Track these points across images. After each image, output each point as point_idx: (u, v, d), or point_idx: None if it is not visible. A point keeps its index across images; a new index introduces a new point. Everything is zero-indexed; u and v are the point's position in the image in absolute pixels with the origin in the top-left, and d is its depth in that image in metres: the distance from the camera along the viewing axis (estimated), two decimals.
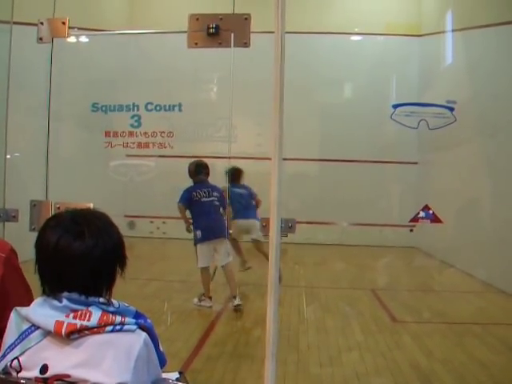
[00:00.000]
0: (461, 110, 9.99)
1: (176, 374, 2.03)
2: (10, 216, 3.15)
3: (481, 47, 10.38)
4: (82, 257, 1.76)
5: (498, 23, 9.84)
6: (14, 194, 3.38)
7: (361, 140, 12.93)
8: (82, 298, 1.75)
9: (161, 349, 1.87)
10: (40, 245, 1.82)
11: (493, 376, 5.30)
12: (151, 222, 13.15)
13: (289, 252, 11.34)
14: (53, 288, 1.78)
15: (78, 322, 1.69)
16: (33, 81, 5.08)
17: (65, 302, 1.73)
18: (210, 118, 12.53)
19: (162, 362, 1.87)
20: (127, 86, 12.47)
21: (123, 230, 1.95)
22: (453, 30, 11.82)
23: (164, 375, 1.92)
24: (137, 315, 1.83)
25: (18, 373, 1.71)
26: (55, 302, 1.74)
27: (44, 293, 1.81)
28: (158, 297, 7.88)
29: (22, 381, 1.70)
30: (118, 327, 1.72)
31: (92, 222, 1.83)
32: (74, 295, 1.74)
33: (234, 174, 8.87)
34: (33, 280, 1.92)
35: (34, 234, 1.91)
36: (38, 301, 1.80)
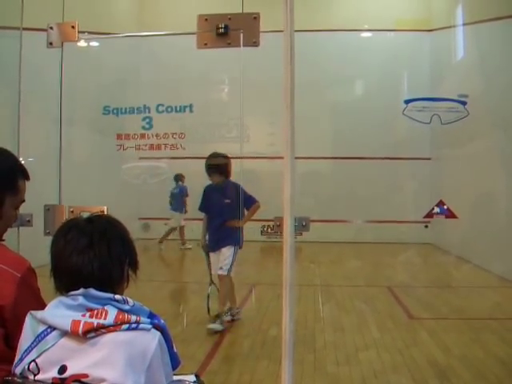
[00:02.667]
0: (473, 104, 9.95)
1: (192, 377, 2.02)
2: (24, 221, 3.16)
3: (492, 40, 10.34)
4: (88, 246, 1.81)
5: (510, 15, 9.79)
6: (28, 198, 3.38)
7: (373, 137, 12.92)
8: (99, 293, 1.77)
9: (174, 349, 1.87)
10: (53, 241, 1.88)
11: (511, 372, 5.26)
12: (165, 223, 13.17)
13: (304, 250, 11.37)
14: (67, 284, 1.81)
15: (95, 321, 1.70)
16: (45, 86, 5.10)
17: (80, 300, 1.75)
18: (222, 118, 12.56)
19: (176, 363, 1.88)
20: (138, 89, 12.54)
21: (138, 232, 1.99)
22: (463, 24, 11.78)
23: (180, 377, 1.91)
24: (151, 315, 1.84)
25: (35, 375, 1.71)
26: (70, 302, 1.76)
27: (58, 292, 1.83)
28: (174, 298, 7.91)
29: None
30: (133, 325, 1.73)
31: (101, 221, 1.93)
32: (91, 291, 1.76)
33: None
34: (49, 286, 1.91)
35: (49, 239, 1.92)
36: (52, 303, 1.81)
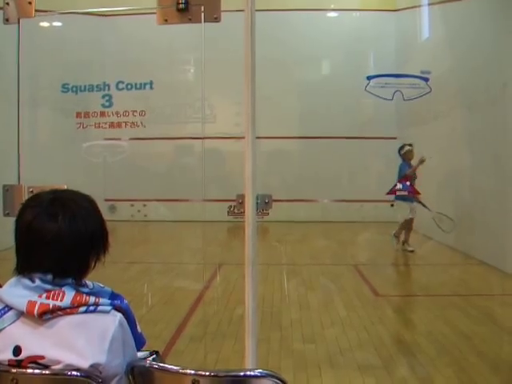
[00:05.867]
0: (439, 83, 9.97)
1: (153, 355, 2.00)
2: None
3: (459, 20, 10.36)
4: (52, 239, 1.72)
5: None
6: None
7: (340, 116, 12.93)
8: (55, 279, 1.72)
9: (138, 330, 1.84)
10: (17, 222, 1.80)
11: (475, 347, 5.34)
12: (132, 205, 13.08)
13: (270, 230, 11.39)
14: (26, 267, 1.75)
15: (51, 302, 1.66)
16: (4, 65, 5.01)
17: (38, 282, 1.70)
18: (188, 98, 12.44)
19: (141, 343, 1.86)
20: (99, 66, 12.37)
21: (104, 214, 1.90)
22: (429, 4, 11.81)
23: (141, 354, 1.89)
24: (112, 296, 1.81)
25: None
26: (28, 282, 1.71)
27: (17, 272, 1.78)
28: (140, 279, 7.86)
29: None
30: (91, 308, 1.69)
31: (68, 206, 1.79)
32: (48, 276, 1.72)
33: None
34: (7, 269, 1.87)
35: (8, 220, 1.87)
36: (11, 281, 1.77)
